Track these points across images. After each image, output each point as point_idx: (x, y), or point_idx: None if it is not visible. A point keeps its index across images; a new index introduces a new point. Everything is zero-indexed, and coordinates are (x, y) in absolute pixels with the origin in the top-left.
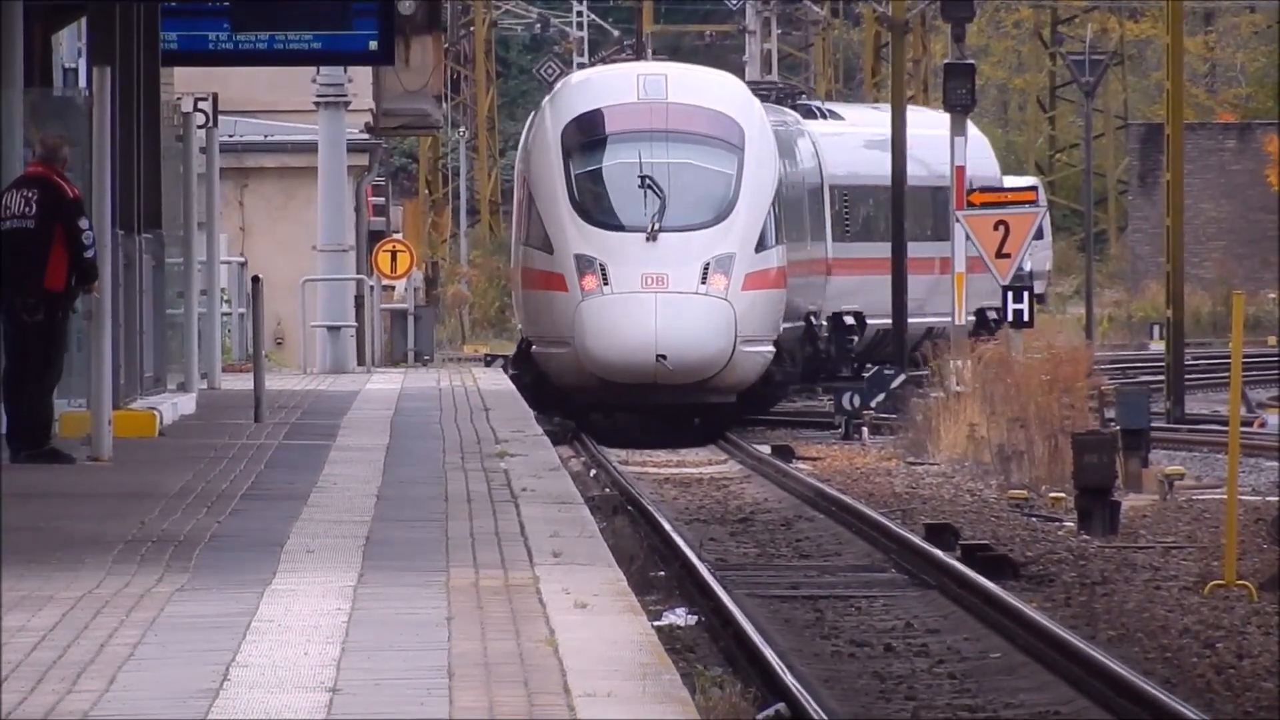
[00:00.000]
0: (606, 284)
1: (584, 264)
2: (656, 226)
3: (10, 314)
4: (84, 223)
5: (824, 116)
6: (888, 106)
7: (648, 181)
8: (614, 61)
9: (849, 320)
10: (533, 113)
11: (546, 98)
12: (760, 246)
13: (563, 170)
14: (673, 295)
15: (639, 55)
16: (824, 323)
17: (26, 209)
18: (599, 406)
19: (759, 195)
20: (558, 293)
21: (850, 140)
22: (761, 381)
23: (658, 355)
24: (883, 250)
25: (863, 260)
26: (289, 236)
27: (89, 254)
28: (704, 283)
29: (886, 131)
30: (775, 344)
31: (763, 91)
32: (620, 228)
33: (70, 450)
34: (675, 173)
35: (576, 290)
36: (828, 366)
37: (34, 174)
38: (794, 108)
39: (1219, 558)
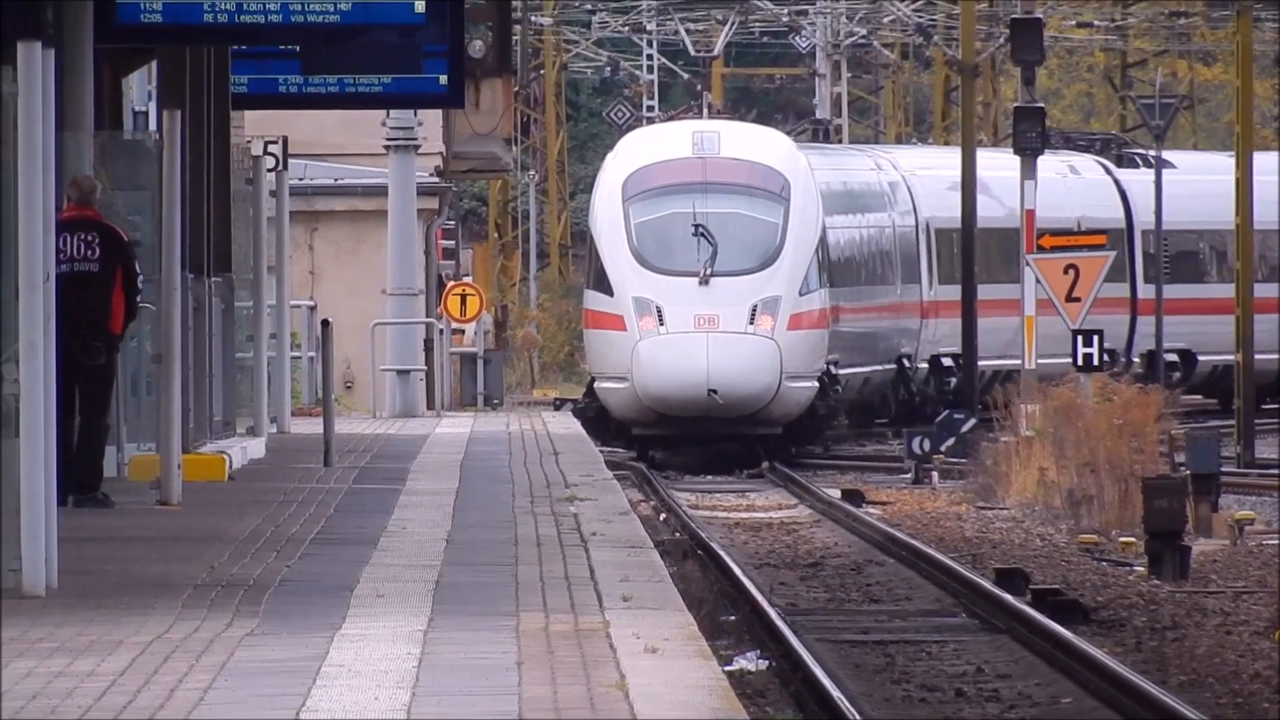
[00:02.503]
0: (662, 324)
1: (642, 306)
2: (708, 271)
3: (65, 357)
4: (136, 265)
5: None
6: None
7: (701, 230)
8: (683, 118)
9: (947, 362)
10: (602, 166)
11: (611, 152)
12: (804, 290)
13: (623, 219)
14: (723, 335)
15: (707, 113)
16: (921, 365)
17: (89, 252)
18: (655, 438)
19: (803, 242)
20: (618, 332)
21: (946, 181)
22: (806, 415)
23: (709, 390)
24: (998, 292)
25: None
26: (359, 280)
27: (139, 297)
28: (752, 323)
29: (997, 174)
30: (819, 379)
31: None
32: (675, 272)
33: (136, 494)
34: (726, 222)
35: (635, 330)
36: (923, 409)
37: (87, 217)
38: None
39: None
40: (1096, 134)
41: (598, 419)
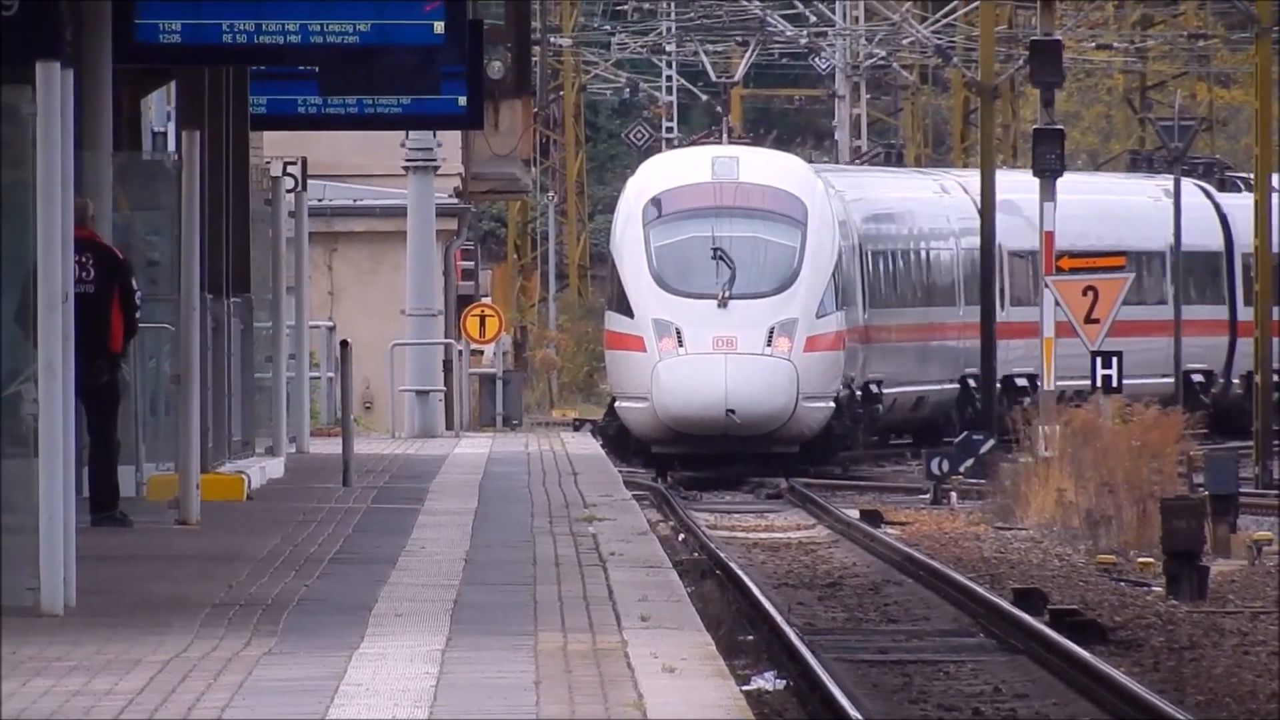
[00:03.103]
0: (681, 345)
1: (661, 327)
2: (727, 294)
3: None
4: (134, 283)
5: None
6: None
7: (719, 253)
8: (704, 143)
9: (1021, 382)
10: (623, 189)
11: (631, 176)
12: (821, 312)
13: (643, 242)
14: (741, 356)
15: (727, 138)
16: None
17: (84, 274)
18: (674, 456)
19: (820, 266)
20: (638, 353)
21: (1016, 206)
22: (822, 434)
23: (727, 410)
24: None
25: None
26: (378, 301)
27: (138, 314)
28: (769, 345)
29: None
30: (835, 400)
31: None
32: (694, 295)
33: (155, 514)
34: (744, 245)
35: (655, 351)
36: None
37: (83, 238)
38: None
39: None
40: (1200, 158)
41: (618, 437)
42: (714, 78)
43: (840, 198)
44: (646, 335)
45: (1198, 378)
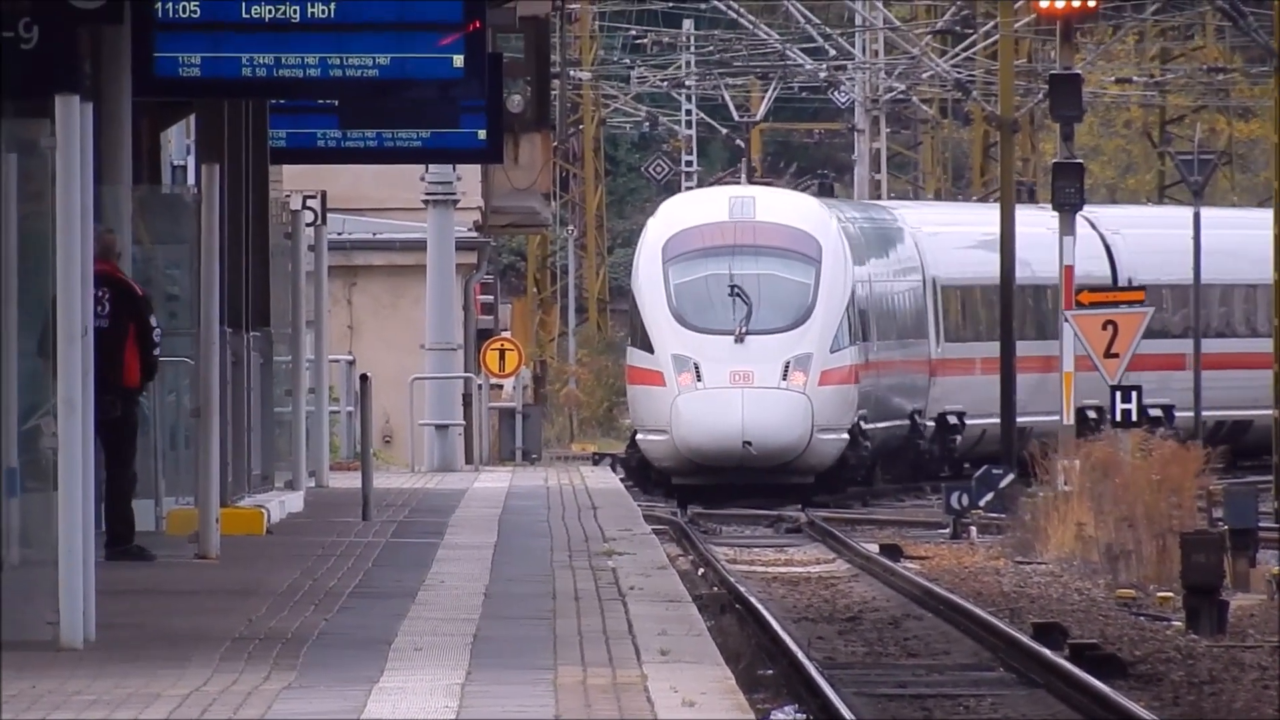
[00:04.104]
0: (699, 380)
1: (680, 362)
2: (743, 330)
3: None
4: (153, 320)
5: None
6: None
7: (736, 290)
8: (727, 182)
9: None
10: (644, 228)
11: (652, 216)
12: (835, 347)
13: (663, 280)
14: (757, 390)
15: (748, 177)
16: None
17: (98, 309)
18: (694, 487)
19: (834, 302)
20: (658, 387)
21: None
22: (838, 464)
23: (744, 442)
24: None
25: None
26: (397, 334)
27: (156, 351)
28: (784, 379)
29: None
30: (849, 432)
31: None
32: (712, 331)
33: (174, 548)
34: (760, 282)
35: (674, 385)
36: None
37: (102, 272)
38: None
39: None
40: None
41: (640, 469)
42: (735, 115)
43: (914, 233)
44: (666, 370)
45: None
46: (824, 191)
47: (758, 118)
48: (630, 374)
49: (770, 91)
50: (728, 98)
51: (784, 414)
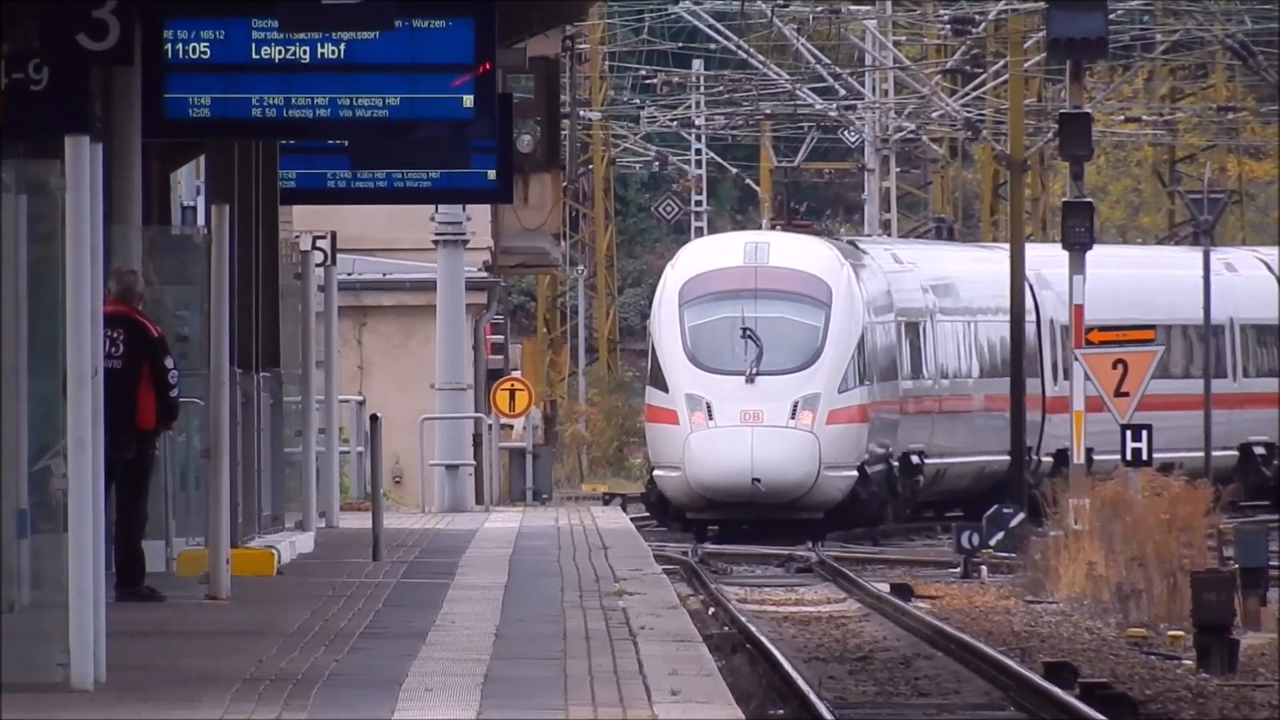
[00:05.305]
0: (711, 419)
1: (693, 402)
2: (754, 371)
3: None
4: (169, 361)
5: None
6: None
7: (748, 332)
8: (777, 227)
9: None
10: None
11: (671, 261)
12: (843, 387)
13: (678, 322)
14: (766, 429)
15: (768, 222)
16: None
17: (113, 349)
18: (708, 521)
19: (842, 344)
20: (672, 426)
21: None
22: (849, 500)
23: (753, 479)
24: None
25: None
26: (407, 375)
27: (174, 393)
28: (793, 418)
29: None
30: (859, 469)
31: None
32: (724, 371)
33: (185, 589)
34: (771, 325)
35: (687, 423)
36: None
37: (118, 313)
38: None
39: None
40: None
41: (659, 504)
42: (774, 160)
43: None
44: (679, 409)
45: None
46: (941, 234)
47: (796, 162)
48: (648, 412)
49: (808, 144)
50: (771, 152)
51: (791, 452)
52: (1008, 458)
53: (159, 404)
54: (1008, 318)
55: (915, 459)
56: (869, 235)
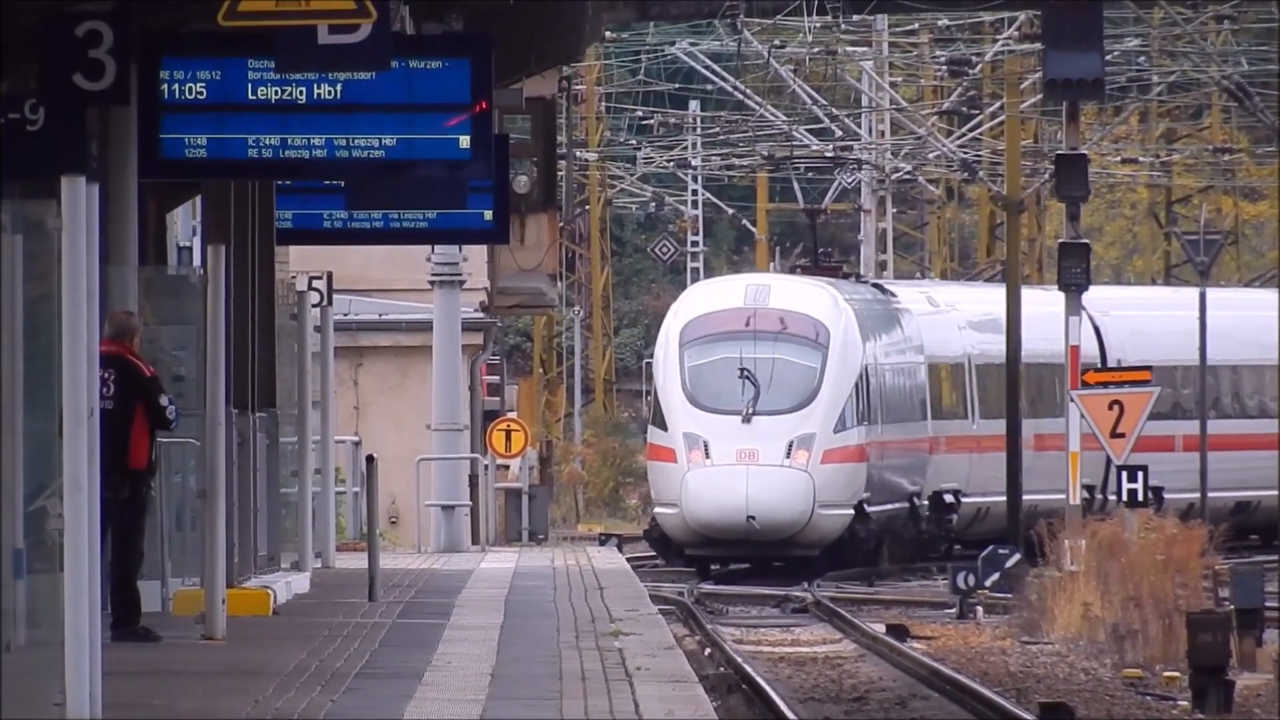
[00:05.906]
0: (708, 457)
1: (691, 440)
2: (751, 410)
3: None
4: (164, 399)
5: None
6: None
7: (745, 373)
8: (798, 268)
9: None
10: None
11: (675, 301)
12: (839, 427)
13: (678, 362)
14: (762, 468)
15: (775, 264)
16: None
17: (104, 390)
18: (706, 558)
19: (839, 385)
20: (670, 464)
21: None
22: (847, 536)
23: (748, 516)
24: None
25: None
26: (403, 415)
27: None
28: (788, 457)
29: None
30: (854, 507)
31: None
32: (721, 411)
33: (181, 629)
34: (768, 366)
35: (684, 462)
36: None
37: (110, 353)
38: None
39: None
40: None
41: (661, 541)
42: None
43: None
44: (678, 447)
45: None
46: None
47: (824, 206)
48: (649, 450)
49: (834, 189)
50: (798, 187)
51: (785, 490)
52: (1061, 496)
53: (152, 443)
54: (1056, 359)
55: (949, 497)
56: (920, 278)
